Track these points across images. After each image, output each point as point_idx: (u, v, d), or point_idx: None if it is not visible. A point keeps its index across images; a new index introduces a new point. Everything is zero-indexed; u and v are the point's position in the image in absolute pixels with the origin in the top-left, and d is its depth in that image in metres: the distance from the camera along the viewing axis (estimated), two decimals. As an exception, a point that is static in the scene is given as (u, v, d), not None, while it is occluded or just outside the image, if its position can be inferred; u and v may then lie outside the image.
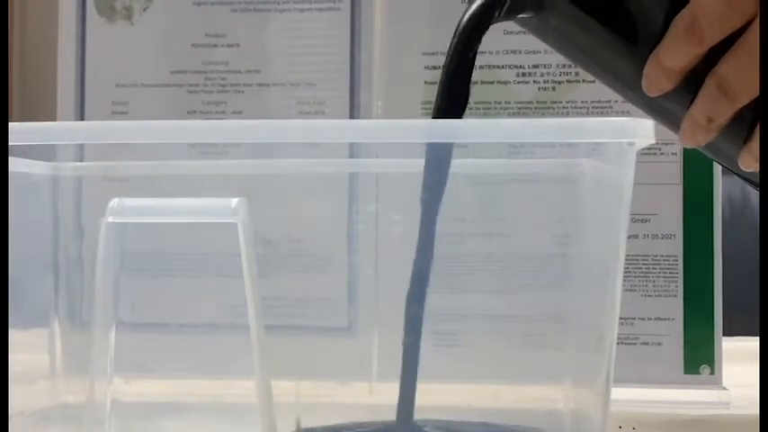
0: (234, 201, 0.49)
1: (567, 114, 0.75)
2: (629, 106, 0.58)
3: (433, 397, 0.54)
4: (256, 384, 0.49)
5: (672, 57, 0.51)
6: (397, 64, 0.77)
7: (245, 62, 0.79)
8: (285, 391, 0.54)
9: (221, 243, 0.50)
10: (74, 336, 0.62)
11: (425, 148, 0.51)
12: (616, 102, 0.74)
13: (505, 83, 0.76)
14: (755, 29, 0.50)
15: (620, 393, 0.56)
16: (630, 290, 0.74)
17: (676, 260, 0.74)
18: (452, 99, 0.52)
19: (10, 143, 0.48)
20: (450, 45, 0.53)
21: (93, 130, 0.51)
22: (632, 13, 0.52)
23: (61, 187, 0.63)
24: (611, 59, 0.54)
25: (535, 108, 0.76)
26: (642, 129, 0.46)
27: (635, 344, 0.74)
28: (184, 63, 0.79)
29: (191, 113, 0.79)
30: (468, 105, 0.53)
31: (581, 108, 0.75)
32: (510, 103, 0.76)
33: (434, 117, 0.52)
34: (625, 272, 0.50)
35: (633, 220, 0.74)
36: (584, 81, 0.74)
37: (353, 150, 0.59)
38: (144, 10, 0.80)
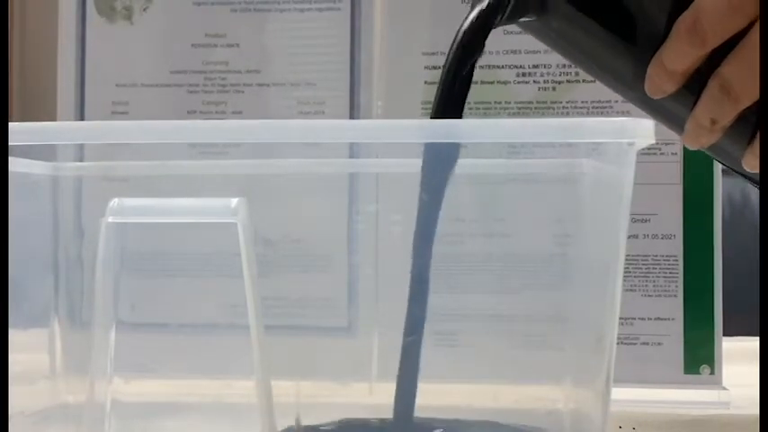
0: (234, 201, 0.49)
1: (567, 114, 0.75)
2: (629, 106, 0.58)
3: (432, 397, 0.54)
4: (256, 384, 0.49)
5: (674, 59, 0.51)
6: (397, 64, 0.77)
7: (245, 62, 0.79)
8: (285, 391, 0.54)
9: (221, 243, 0.50)
10: (74, 336, 0.62)
11: (424, 147, 0.51)
12: (616, 102, 0.74)
13: (505, 83, 0.76)
14: (757, 30, 0.49)
15: (620, 393, 0.56)
16: (630, 290, 0.74)
17: (676, 260, 0.74)
18: (453, 102, 0.52)
19: (10, 143, 0.48)
20: (452, 48, 0.53)
21: (93, 130, 0.51)
22: (634, 15, 0.52)
23: (61, 187, 0.63)
24: (614, 61, 0.54)
25: (535, 108, 0.76)
26: (642, 129, 0.46)
27: (635, 344, 0.74)
28: (184, 63, 0.79)
29: (191, 113, 0.79)
30: (468, 105, 0.53)
31: (581, 108, 0.75)
32: (510, 103, 0.76)
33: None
34: (625, 272, 0.50)
35: (633, 220, 0.74)
36: (584, 81, 0.74)
37: (353, 150, 0.59)
38: (144, 10, 0.80)
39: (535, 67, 0.75)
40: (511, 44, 0.75)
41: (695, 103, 0.52)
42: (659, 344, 0.74)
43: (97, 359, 0.51)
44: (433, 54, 0.76)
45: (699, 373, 0.73)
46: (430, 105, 0.75)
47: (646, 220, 0.74)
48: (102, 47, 0.80)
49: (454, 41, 0.53)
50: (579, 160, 0.52)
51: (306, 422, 0.57)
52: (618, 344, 0.51)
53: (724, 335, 0.74)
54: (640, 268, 0.74)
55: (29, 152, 0.54)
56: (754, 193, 1.44)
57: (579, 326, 0.53)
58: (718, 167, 0.74)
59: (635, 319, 0.74)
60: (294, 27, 0.78)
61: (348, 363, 0.63)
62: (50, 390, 0.62)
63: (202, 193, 0.50)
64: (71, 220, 0.63)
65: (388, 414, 0.54)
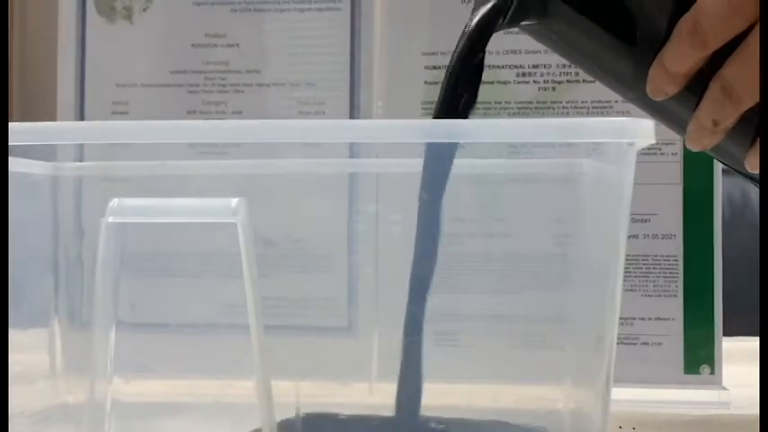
0: (234, 201, 0.49)
1: (567, 114, 0.75)
2: (629, 106, 0.58)
3: (432, 397, 0.54)
4: (256, 384, 0.49)
5: (676, 61, 0.51)
6: (397, 64, 0.77)
7: (245, 62, 0.79)
8: (285, 391, 0.54)
9: (221, 243, 0.50)
10: (74, 336, 0.62)
11: (425, 147, 0.51)
12: (616, 102, 0.74)
13: (505, 83, 0.76)
14: (758, 32, 0.50)
15: (620, 393, 0.56)
16: (630, 290, 0.74)
17: (676, 260, 0.74)
18: (455, 107, 0.52)
19: (10, 143, 0.48)
20: (454, 53, 0.53)
21: (93, 130, 0.51)
22: (635, 17, 0.52)
23: (61, 187, 0.63)
24: (615, 63, 0.54)
25: (535, 108, 0.76)
26: (642, 129, 0.46)
27: (635, 344, 0.74)
28: (184, 63, 0.79)
29: (191, 113, 0.79)
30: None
31: (581, 108, 0.75)
32: (510, 103, 0.76)
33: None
34: (625, 272, 0.50)
35: (633, 220, 0.74)
36: (584, 81, 0.75)
37: (353, 150, 0.59)
38: (144, 10, 0.80)
39: (535, 67, 0.75)
40: (511, 44, 0.75)
41: (697, 105, 0.52)
42: (659, 344, 0.74)
43: (97, 359, 0.51)
44: (433, 54, 0.76)
45: (699, 373, 0.73)
46: (430, 105, 0.76)
47: (646, 220, 0.74)
48: (102, 47, 0.80)
49: (456, 47, 0.53)
50: (579, 160, 0.52)
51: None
52: (618, 344, 0.51)
53: (724, 335, 0.74)
54: (640, 268, 0.74)
55: (29, 152, 0.54)
56: (754, 193, 1.44)
57: (579, 326, 0.53)
58: (718, 167, 0.74)
59: (635, 319, 0.74)
60: (294, 27, 0.78)
61: (348, 363, 0.63)
62: (50, 390, 0.62)
63: (202, 193, 0.50)
64: (71, 220, 0.63)
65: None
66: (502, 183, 0.58)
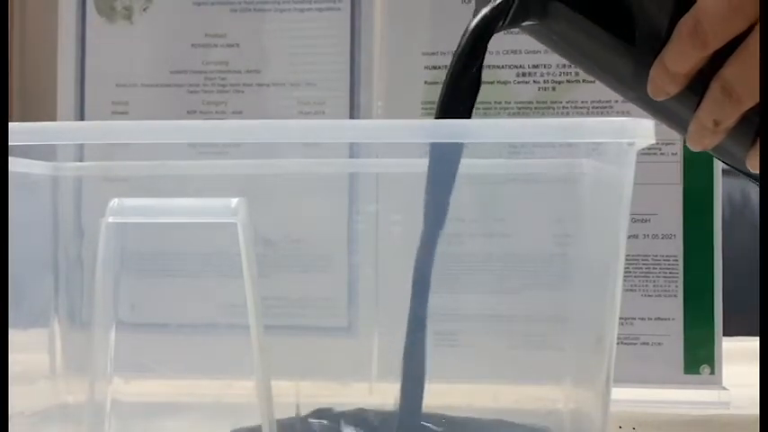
0: (234, 201, 0.49)
1: (567, 114, 0.75)
2: (629, 106, 0.58)
3: (433, 397, 0.54)
4: (256, 384, 0.49)
5: (676, 61, 0.51)
6: (397, 64, 0.77)
7: (245, 62, 0.79)
8: (285, 391, 0.54)
9: (221, 243, 0.50)
10: (74, 336, 0.62)
11: (429, 148, 0.51)
12: (616, 102, 0.74)
13: (505, 83, 0.76)
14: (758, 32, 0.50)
15: (620, 393, 0.56)
16: (630, 290, 0.74)
17: (676, 260, 0.74)
18: (455, 108, 0.52)
19: (10, 143, 0.48)
20: (455, 55, 0.53)
21: (93, 130, 0.51)
22: (636, 18, 0.52)
23: (61, 187, 0.63)
24: (616, 63, 0.54)
25: (535, 108, 0.76)
26: (642, 129, 0.46)
27: (635, 344, 0.74)
28: (184, 63, 0.79)
29: (191, 113, 0.79)
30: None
31: (581, 108, 0.75)
32: (510, 103, 0.76)
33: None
34: (625, 272, 0.50)
35: (633, 220, 0.74)
36: (584, 81, 0.74)
37: (353, 150, 0.59)
38: (144, 10, 0.80)
39: (535, 67, 0.75)
40: (511, 44, 0.75)
41: (698, 104, 0.52)
42: (659, 344, 0.74)
43: (97, 359, 0.51)
44: (433, 54, 0.76)
45: (699, 373, 0.73)
46: (430, 105, 0.76)
47: (646, 220, 0.74)
48: (102, 47, 0.80)
49: (457, 48, 0.53)
50: (579, 160, 0.52)
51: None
52: (618, 344, 0.51)
53: (724, 335, 0.74)
54: (640, 268, 0.74)
55: (29, 152, 0.54)
56: (754, 193, 1.44)
57: (579, 326, 0.53)
58: (718, 167, 0.74)
59: (635, 319, 0.74)
60: (294, 27, 0.78)
61: (348, 363, 0.63)
62: (50, 390, 0.62)
63: (202, 193, 0.50)
64: (71, 220, 0.63)
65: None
66: (502, 183, 0.58)
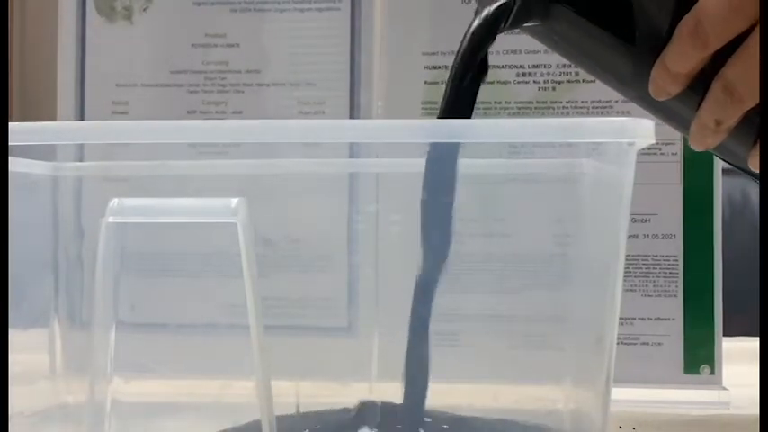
0: (234, 201, 0.49)
1: (567, 114, 0.75)
2: (630, 106, 0.58)
3: (433, 397, 0.54)
4: (256, 384, 0.49)
5: (677, 61, 0.51)
6: (397, 64, 0.77)
7: (245, 62, 0.79)
8: (285, 391, 0.54)
9: (221, 243, 0.50)
10: (74, 336, 0.62)
11: (428, 148, 0.51)
12: (616, 102, 0.74)
13: (505, 83, 0.76)
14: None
15: (620, 393, 0.56)
16: (630, 290, 0.74)
17: (676, 260, 0.74)
18: (458, 109, 0.52)
19: (10, 143, 0.48)
20: (457, 56, 0.53)
21: (93, 130, 0.51)
22: (637, 19, 0.52)
23: (61, 187, 0.63)
24: (617, 64, 0.54)
25: (535, 108, 0.76)
26: (642, 129, 0.46)
27: (635, 344, 0.74)
28: (184, 63, 0.79)
29: (191, 113, 0.79)
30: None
31: (581, 108, 0.75)
32: (510, 103, 0.76)
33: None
34: (625, 272, 0.50)
35: (633, 220, 0.74)
36: (584, 81, 0.74)
37: (353, 150, 0.59)
38: (144, 10, 0.80)
39: (535, 67, 0.75)
40: (511, 44, 0.75)
41: (699, 104, 0.53)
42: (659, 344, 0.74)
43: (97, 359, 0.51)
44: (433, 54, 0.76)
45: (699, 373, 0.73)
46: (430, 105, 0.76)
47: (646, 220, 0.74)
48: (102, 47, 0.80)
49: (459, 49, 0.53)
50: (579, 160, 0.52)
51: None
52: (618, 344, 0.51)
53: (724, 335, 0.74)
54: (640, 268, 0.74)
55: (29, 152, 0.54)
56: (754, 193, 1.44)
57: (579, 326, 0.53)
58: (718, 167, 0.74)
59: (635, 319, 0.74)
60: (294, 27, 0.78)
61: (348, 363, 0.63)
62: (50, 390, 0.62)
63: (202, 193, 0.50)
64: (71, 220, 0.63)
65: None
66: (502, 183, 0.58)
